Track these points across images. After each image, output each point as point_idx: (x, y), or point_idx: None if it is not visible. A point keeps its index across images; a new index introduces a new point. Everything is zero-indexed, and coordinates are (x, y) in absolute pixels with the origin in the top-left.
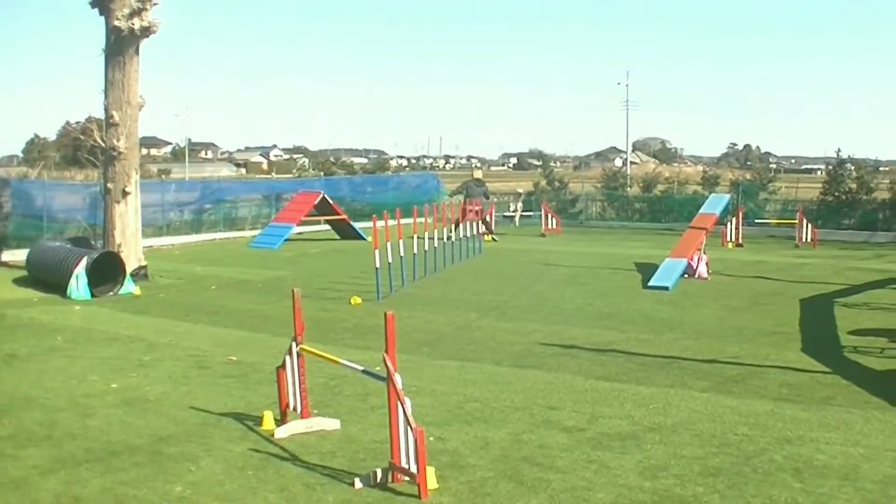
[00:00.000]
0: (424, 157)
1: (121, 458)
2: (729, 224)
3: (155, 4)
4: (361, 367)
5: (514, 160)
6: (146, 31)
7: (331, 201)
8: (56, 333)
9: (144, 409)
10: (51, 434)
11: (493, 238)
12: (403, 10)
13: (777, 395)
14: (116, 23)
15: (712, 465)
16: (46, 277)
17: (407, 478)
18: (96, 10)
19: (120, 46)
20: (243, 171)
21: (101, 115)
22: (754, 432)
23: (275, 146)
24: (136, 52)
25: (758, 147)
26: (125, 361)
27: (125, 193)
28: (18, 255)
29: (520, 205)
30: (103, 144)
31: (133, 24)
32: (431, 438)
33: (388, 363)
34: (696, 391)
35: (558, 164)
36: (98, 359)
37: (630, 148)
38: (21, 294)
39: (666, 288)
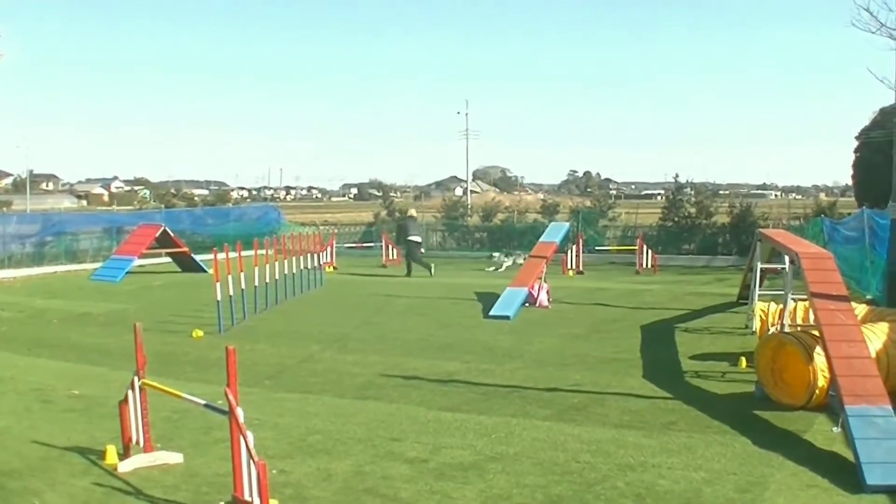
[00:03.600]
0: (265, 188)
1: None
2: (569, 252)
3: None
4: (203, 401)
5: (354, 191)
6: None
7: (172, 234)
8: None
9: None
10: None
11: (333, 268)
12: (243, 34)
13: (619, 422)
14: None
15: (555, 493)
16: None
17: None
18: None
19: None
20: (84, 202)
21: None
22: (596, 459)
23: (116, 178)
24: None
25: (598, 174)
26: None
27: None
28: None
29: None
30: None
31: None
32: (274, 471)
33: (230, 397)
34: (538, 420)
35: (399, 194)
36: None
37: (470, 177)
38: None
39: (507, 317)
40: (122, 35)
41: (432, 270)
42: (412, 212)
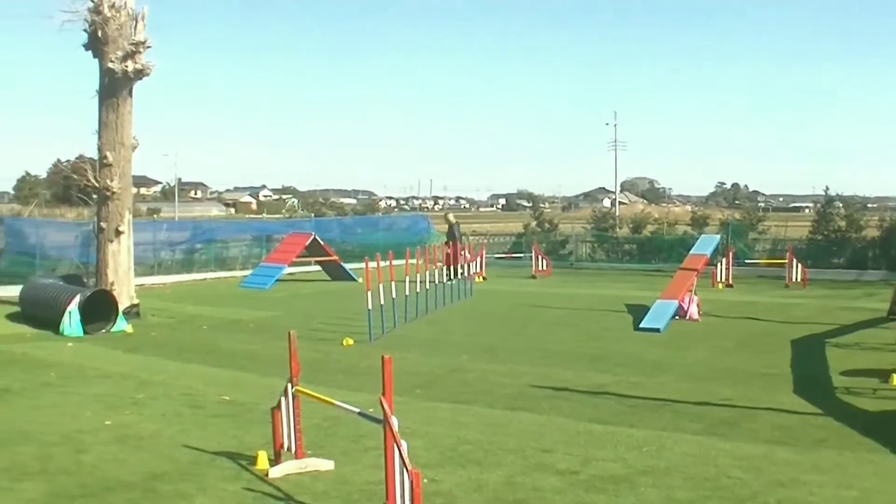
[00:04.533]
0: (413, 198)
1: (114, 495)
2: (719, 264)
3: (148, 48)
4: (357, 410)
5: (503, 201)
6: (139, 74)
7: (322, 242)
8: (49, 369)
9: (138, 446)
10: (45, 468)
11: (483, 279)
12: (390, 51)
13: (769, 438)
14: (110, 65)
15: None
16: (39, 314)
17: None
18: (90, 52)
19: (113, 88)
20: (232, 210)
21: (93, 154)
22: (747, 475)
23: (264, 186)
24: (130, 93)
25: (746, 186)
26: (118, 398)
27: (118, 232)
28: (11, 292)
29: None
30: (97, 184)
31: (126, 66)
32: (426, 480)
33: (385, 406)
34: (688, 434)
35: (547, 204)
36: (91, 395)
37: (618, 188)
38: (14, 330)
39: (657, 329)
40: (271, 47)
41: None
42: (451, 217)
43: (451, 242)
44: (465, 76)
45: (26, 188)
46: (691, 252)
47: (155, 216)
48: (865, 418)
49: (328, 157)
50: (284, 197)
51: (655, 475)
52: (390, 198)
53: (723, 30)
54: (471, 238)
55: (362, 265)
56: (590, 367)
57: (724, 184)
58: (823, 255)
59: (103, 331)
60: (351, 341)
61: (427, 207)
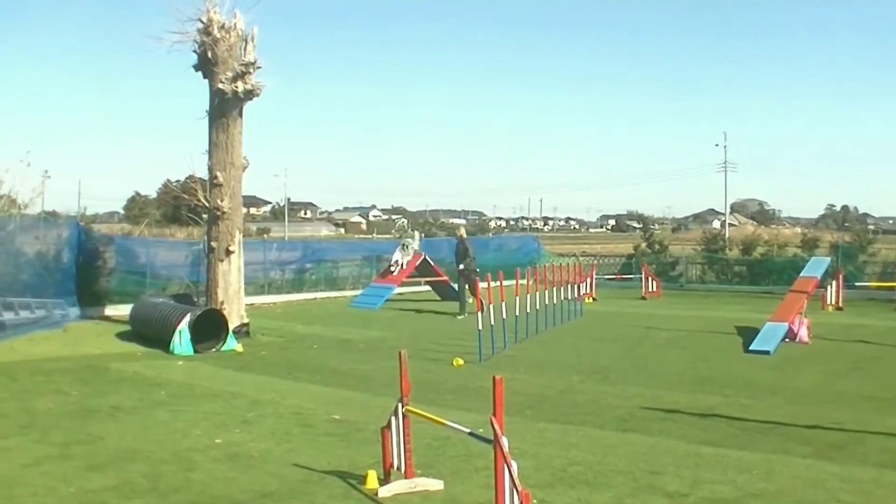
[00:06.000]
0: (523, 218)
1: None
2: (829, 287)
3: (258, 68)
4: (468, 429)
5: (612, 222)
6: (250, 94)
7: (432, 262)
8: (159, 388)
9: (248, 464)
10: (155, 486)
11: (593, 300)
12: (501, 72)
13: (879, 462)
14: (220, 86)
15: None
16: (149, 332)
17: None
18: (200, 73)
19: (224, 109)
20: (342, 230)
21: (203, 174)
22: (857, 499)
23: (374, 206)
24: (240, 114)
25: (855, 208)
26: (228, 417)
27: (228, 252)
28: (121, 310)
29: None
30: (207, 204)
31: (237, 87)
32: (535, 501)
33: (496, 426)
34: (798, 457)
35: (657, 226)
36: (201, 413)
37: (728, 210)
38: (124, 348)
39: (767, 352)
40: (382, 67)
41: (465, 311)
42: (462, 231)
43: (461, 265)
44: (574, 97)
45: (136, 208)
46: (802, 274)
47: (265, 236)
48: None
49: (438, 177)
50: (394, 217)
51: (765, 499)
52: (500, 218)
53: (834, 51)
54: (580, 259)
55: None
56: (699, 388)
57: (833, 206)
58: None
59: (213, 350)
60: (461, 361)
61: (537, 228)
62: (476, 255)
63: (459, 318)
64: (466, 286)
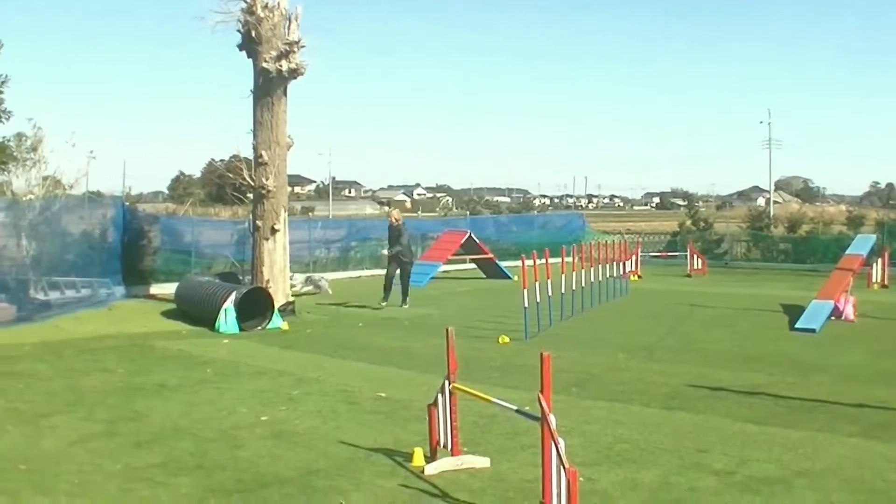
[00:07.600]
0: (567, 196)
1: (270, 490)
2: (875, 265)
3: (302, 47)
4: (515, 407)
5: (656, 200)
6: (294, 73)
7: (477, 240)
8: (205, 365)
9: (294, 442)
10: (201, 464)
11: (638, 277)
12: (546, 51)
13: None
14: (264, 65)
15: None
16: (194, 311)
17: None
18: (244, 52)
19: (268, 88)
20: (387, 209)
21: (247, 153)
22: None
23: (418, 185)
24: (284, 93)
25: None
26: (274, 395)
27: (273, 230)
28: (166, 289)
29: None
30: (252, 183)
31: (281, 66)
32: (582, 479)
33: (543, 403)
34: (843, 436)
35: (701, 203)
36: (247, 391)
37: (773, 187)
38: (170, 326)
39: (813, 330)
40: (427, 46)
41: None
42: (395, 214)
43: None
44: (617, 75)
45: (181, 188)
46: (847, 252)
47: (310, 214)
48: None
49: (482, 155)
50: (439, 195)
51: (811, 477)
52: (544, 196)
53: (877, 27)
54: (625, 236)
55: (517, 263)
56: (745, 366)
57: (878, 183)
58: None
59: (259, 328)
60: (507, 339)
61: (581, 206)
62: (412, 244)
63: (383, 304)
64: (398, 273)
